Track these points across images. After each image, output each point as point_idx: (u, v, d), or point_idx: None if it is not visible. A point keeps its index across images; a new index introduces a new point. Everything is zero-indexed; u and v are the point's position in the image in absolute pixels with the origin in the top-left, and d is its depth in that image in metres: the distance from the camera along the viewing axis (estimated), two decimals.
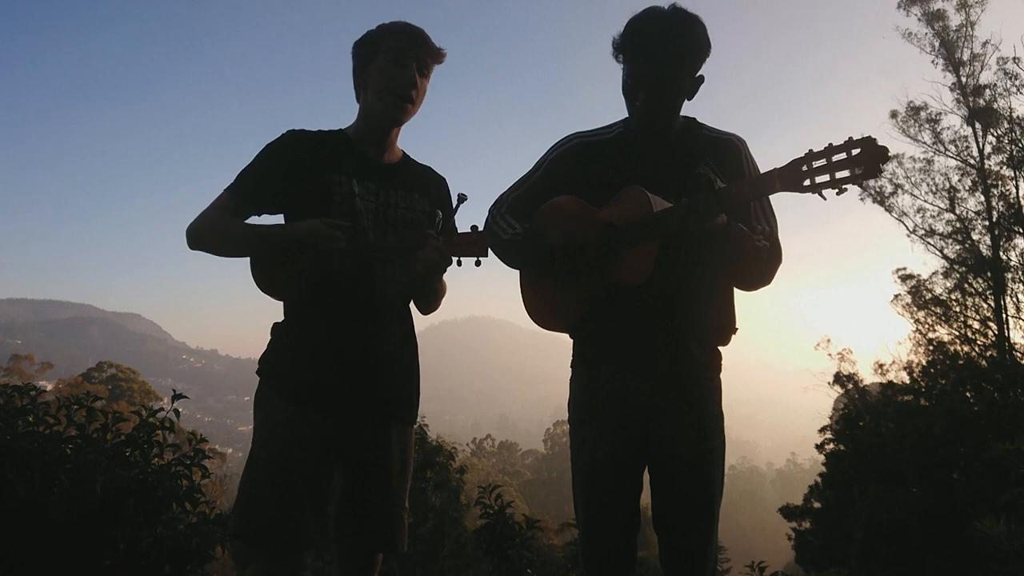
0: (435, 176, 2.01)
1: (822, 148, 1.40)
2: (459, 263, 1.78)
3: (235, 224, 1.78)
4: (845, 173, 1.36)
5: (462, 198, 1.83)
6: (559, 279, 1.81)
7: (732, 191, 1.55)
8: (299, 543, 1.68)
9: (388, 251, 1.80)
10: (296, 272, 1.76)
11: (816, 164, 1.39)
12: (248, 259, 1.80)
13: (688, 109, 1.80)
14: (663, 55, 1.63)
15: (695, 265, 1.70)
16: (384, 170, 1.89)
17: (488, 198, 1.96)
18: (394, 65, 1.79)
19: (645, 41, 1.65)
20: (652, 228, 1.62)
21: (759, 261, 1.71)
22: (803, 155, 1.42)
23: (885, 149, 1.34)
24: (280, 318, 1.87)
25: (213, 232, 1.79)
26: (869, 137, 1.36)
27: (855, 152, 1.35)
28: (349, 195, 1.80)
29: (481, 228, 1.91)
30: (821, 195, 1.39)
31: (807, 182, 1.40)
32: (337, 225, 1.73)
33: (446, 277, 1.94)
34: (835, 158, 1.37)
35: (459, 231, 1.81)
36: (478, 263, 1.78)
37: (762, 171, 1.85)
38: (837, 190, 1.38)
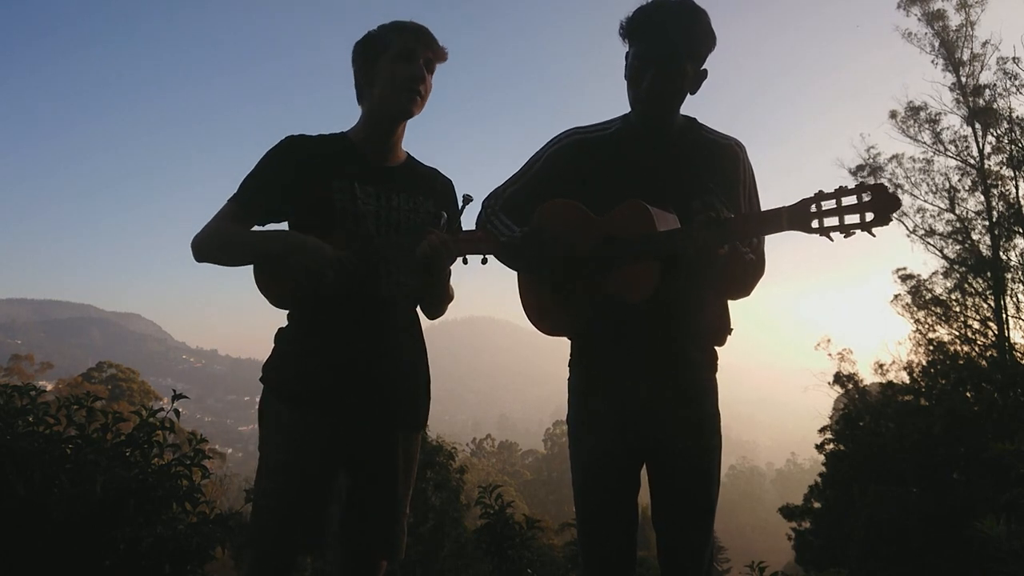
0: (441, 178, 2.00)
1: (832, 190, 1.39)
2: (465, 261, 1.77)
3: (238, 233, 1.78)
4: (855, 219, 1.35)
5: (467, 199, 1.82)
6: (556, 288, 1.81)
7: (738, 225, 1.54)
8: (299, 551, 1.73)
9: (389, 251, 1.79)
10: (293, 283, 1.75)
11: (825, 206, 1.39)
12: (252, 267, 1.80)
13: (686, 110, 1.81)
14: (673, 37, 1.64)
15: (692, 278, 1.70)
16: (386, 173, 1.88)
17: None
18: (402, 61, 1.79)
19: (656, 24, 1.66)
20: (653, 249, 1.61)
21: (744, 275, 1.71)
22: (812, 195, 1.41)
23: (896, 198, 1.34)
24: (283, 323, 1.86)
25: (216, 243, 1.80)
26: (881, 184, 1.36)
27: (866, 198, 1.34)
28: (351, 199, 1.79)
29: (474, 222, 1.92)
30: (829, 237, 1.39)
31: (815, 223, 1.40)
32: (340, 261, 1.71)
33: (453, 283, 1.95)
34: (845, 202, 1.37)
35: (464, 230, 1.79)
36: (484, 261, 1.78)
37: (756, 177, 1.86)
38: (845, 234, 1.37)
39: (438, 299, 1.96)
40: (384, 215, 1.83)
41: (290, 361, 1.81)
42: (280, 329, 1.86)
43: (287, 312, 1.86)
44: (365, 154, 1.86)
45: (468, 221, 1.88)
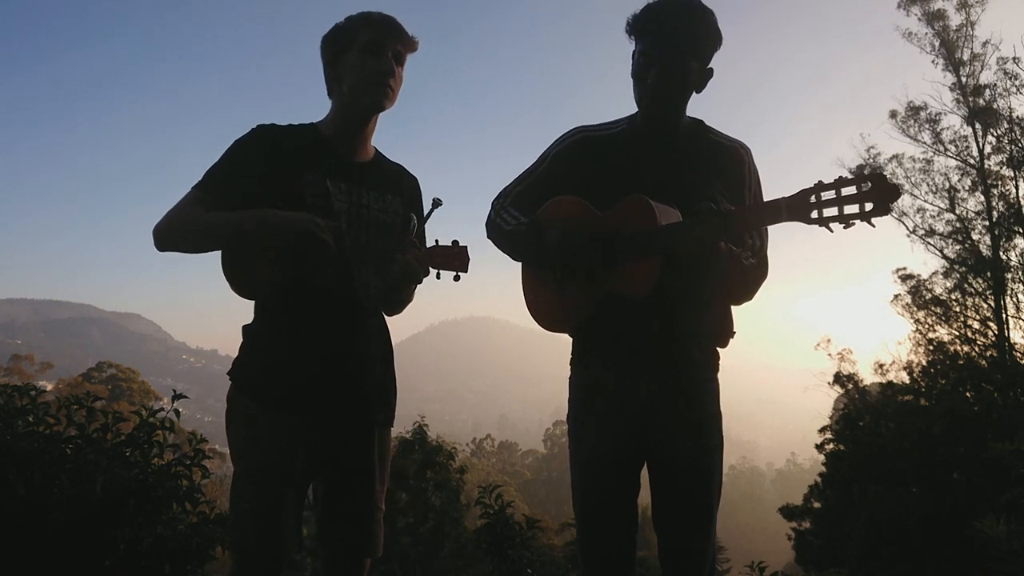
0: (408, 175, 1.96)
1: (832, 180, 1.39)
2: (438, 276, 1.76)
3: (209, 214, 1.70)
4: (854, 209, 1.35)
5: (436, 203, 1.80)
6: (557, 276, 1.81)
7: (738, 217, 1.54)
8: (285, 552, 1.70)
9: (365, 253, 1.77)
10: (272, 261, 1.68)
11: (825, 196, 1.39)
12: (220, 254, 1.73)
13: (692, 108, 1.80)
14: (678, 35, 1.65)
15: (695, 275, 1.69)
16: (357, 169, 1.83)
17: (473, 204, 1.95)
18: (370, 55, 1.75)
19: (661, 21, 1.67)
20: (654, 243, 1.61)
21: (744, 281, 1.71)
22: (812, 186, 1.41)
23: (897, 187, 1.34)
24: (250, 319, 1.81)
25: (185, 225, 1.70)
26: (880, 173, 1.36)
27: (865, 187, 1.34)
28: (323, 195, 1.74)
29: (479, 230, 1.92)
30: (828, 228, 1.39)
31: (814, 214, 1.39)
32: (329, 228, 1.67)
33: (419, 287, 1.91)
34: (844, 192, 1.36)
35: (440, 244, 1.78)
36: (457, 278, 1.77)
37: (762, 182, 1.86)
38: (845, 225, 1.37)
39: (399, 302, 1.94)
40: (355, 212, 1.79)
41: (263, 360, 1.76)
42: (247, 325, 1.81)
43: (254, 308, 1.80)
44: (337, 148, 1.81)
45: (437, 225, 1.88)
